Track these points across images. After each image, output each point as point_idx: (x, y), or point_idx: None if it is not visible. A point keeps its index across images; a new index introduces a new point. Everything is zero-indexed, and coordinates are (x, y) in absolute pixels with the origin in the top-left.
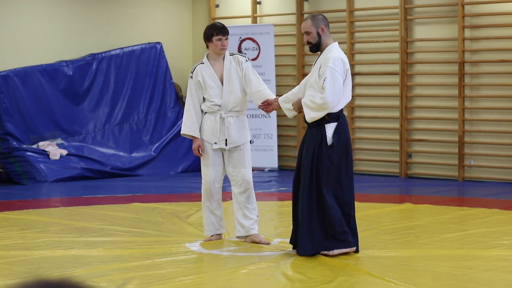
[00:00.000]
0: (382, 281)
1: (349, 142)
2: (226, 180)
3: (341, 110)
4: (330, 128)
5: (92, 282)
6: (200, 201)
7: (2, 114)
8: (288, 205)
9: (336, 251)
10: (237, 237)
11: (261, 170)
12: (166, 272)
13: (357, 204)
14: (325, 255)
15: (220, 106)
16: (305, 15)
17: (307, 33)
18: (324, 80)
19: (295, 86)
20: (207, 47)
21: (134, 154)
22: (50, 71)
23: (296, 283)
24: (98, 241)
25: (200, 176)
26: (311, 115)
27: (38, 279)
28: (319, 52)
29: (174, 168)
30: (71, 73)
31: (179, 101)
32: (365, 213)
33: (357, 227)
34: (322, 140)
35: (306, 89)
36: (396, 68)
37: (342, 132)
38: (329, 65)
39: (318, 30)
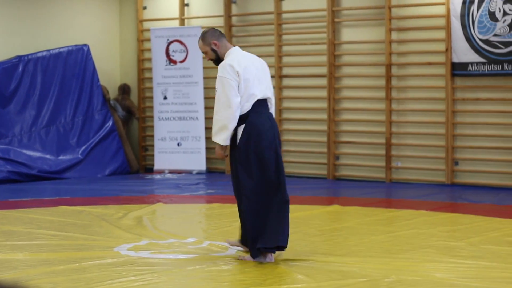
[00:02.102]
0: (309, 284)
1: (262, 144)
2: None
3: (250, 110)
4: (240, 130)
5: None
6: (127, 204)
7: None
8: (216, 208)
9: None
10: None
11: (189, 172)
12: (93, 275)
13: None
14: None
15: None
16: (233, 18)
17: (204, 53)
18: (216, 91)
19: None
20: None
21: (61, 157)
22: None
23: (226, 285)
24: (25, 244)
25: (128, 178)
26: (222, 138)
27: None
28: None
29: (101, 170)
30: None
31: (106, 104)
32: (294, 215)
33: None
34: (233, 143)
35: None
36: (324, 70)
37: (251, 133)
38: (217, 76)
39: (212, 46)
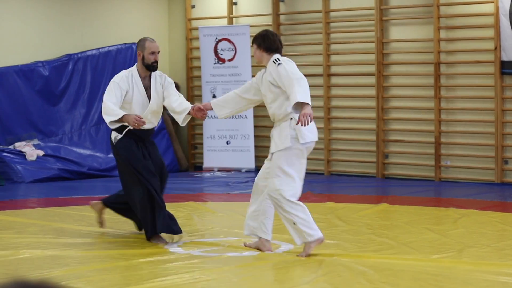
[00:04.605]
0: (361, 281)
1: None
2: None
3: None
4: None
5: (71, 283)
6: (177, 201)
7: None
8: None
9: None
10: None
11: (238, 170)
12: (144, 273)
13: (334, 205)
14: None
15: None
16: (281, 16)
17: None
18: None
19: None
20: None
21: (111, 155)
22: (26, 72)
23: (275, 283)
24: (76, 242)
25: (177, 176)
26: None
27: (16, 280)
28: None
29: None
30: (47, 73)
31: None
32: (343, 213)
33: (335, 228)
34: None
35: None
36: (372, 69)
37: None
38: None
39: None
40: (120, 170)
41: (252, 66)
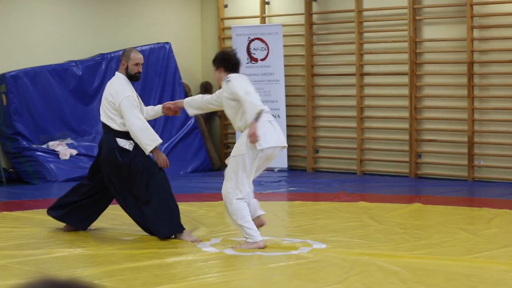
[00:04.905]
0: (394, 281)
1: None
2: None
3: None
4: None
5: (103, 282)
6: (210, 201)
7: (12, 114)
8: (298, 205)
9: None
10: None
11: (271, 170)
12: (177, 272)
13: (367, 204)
14: None
15: None
16: (314, 16)
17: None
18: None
19: (304, 86)
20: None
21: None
22: (60, 71)
23: (308, 282)
24: (109, 240)
25: (210, 175)
26: None
27: (46, 279)
28: None
29: (184, 168)
30: (81, 73)
31: None
32: (375, 213)
33: (368, 228)
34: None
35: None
36: (405, 68)
37: None
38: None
39: None
40: (135, 173)
41: (285, 66)
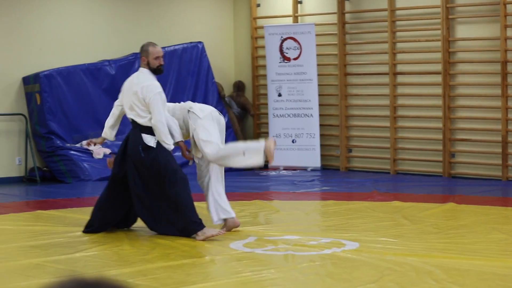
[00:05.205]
0: (428, 281)
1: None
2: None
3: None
4: None
5: (137, 281)
6: (242, 200)
7: (45, 113)
8: (331, 205)
9: None
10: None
11: (304, 169)
12: (210, 271)
13: (400, 204)
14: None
15: None
16: (346, 15)
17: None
18: None
19: (337, 85)
20: None
21: (176, 153)
22: (93, 71)
23: (341, 282)
24: (143, 239)
25: (243, 174)
26: None
27: (76, 278)
28: None
29: None
30: (114, 72)
31: (221, 100)
32: (409, 212)
33: (402, 227)
34: None
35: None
36: (439, 67)
37: None
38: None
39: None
40: (156, 170)
41: (318, 65)
